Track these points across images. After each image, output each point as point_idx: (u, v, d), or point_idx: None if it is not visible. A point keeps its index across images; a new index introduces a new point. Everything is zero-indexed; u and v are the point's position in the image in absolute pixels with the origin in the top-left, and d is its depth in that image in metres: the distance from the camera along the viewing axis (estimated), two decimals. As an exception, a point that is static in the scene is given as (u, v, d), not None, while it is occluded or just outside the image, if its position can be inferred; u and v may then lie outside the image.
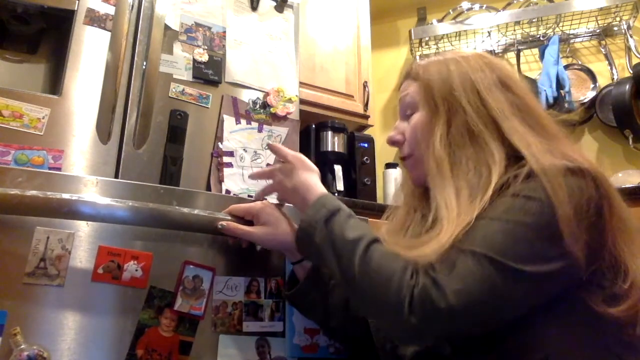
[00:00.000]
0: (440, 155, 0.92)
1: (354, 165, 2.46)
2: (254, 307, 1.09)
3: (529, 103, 0.97)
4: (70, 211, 0.93)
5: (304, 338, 1.12)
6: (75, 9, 1.51)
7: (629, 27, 2.89)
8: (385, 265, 0.80)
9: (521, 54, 3.12)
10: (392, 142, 1.05)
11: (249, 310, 1.09)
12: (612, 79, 2.88)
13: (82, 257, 0.95)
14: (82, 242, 0.96)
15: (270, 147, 1.12)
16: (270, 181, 1.09)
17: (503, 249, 0.76)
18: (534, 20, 3.04)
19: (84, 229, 0.96)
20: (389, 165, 2.78)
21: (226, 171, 1.61)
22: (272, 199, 1.13)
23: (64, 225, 0.95)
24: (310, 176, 1.02)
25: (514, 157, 0.88)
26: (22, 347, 0.86)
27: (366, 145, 2.51)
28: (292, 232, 1.04)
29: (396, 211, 1.11)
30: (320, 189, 1.00)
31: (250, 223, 1.06)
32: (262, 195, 1.12)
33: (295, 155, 1.05)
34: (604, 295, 0.80)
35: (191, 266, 1.04)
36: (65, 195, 0.92)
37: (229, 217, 1.06)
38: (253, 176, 1.14)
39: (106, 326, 0.96)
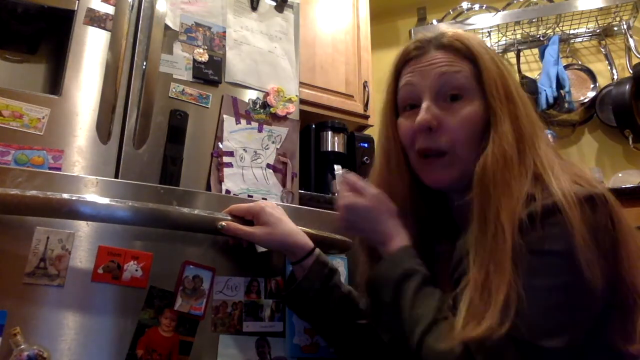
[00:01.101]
0: (512, 152, 0.83)
1: (354, 165, 2.45)
2: (254, 307, 1.09)
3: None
4: (70, 211, 0.93)
5: (304, 338, 1.12)
6: (75, 9, 1.50)
7: (629, 27, 2.89)
8: (440, 355, 0.77)
9: (521, 54, 3.12)
10: (426, 128, 0.89)
11: (249, 310, 1.09)
12: (612, 79, 2.88)
13: (82, 257, 0.96)
14: (82, 242, 0.96)
15: (345, 179, 1.00)
16: None
17: (539, 330, 0.72)
18: (534, 20, 3.05)
19: (84, 229, 0.97)
20: (389, 165, 2.78)
21: (226, 171, 1.61)
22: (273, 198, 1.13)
23: (64, 226, 0.96)
24: (393, 223, 0.94)
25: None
26: (22, 347, 0.86)
27: (366, 145, 2.51)
28: (291, 232, 1.04)
29: None
30: (402, 240, 0.92)
31: (250, 223, 1.06)
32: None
33: (374, 195, 0.96)
34: (620, 330, 0.78)
35: (191, 266, 1.04)
36: (65, 195, 0.93)
37: (229, 217, 1.06)
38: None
39: (106, 326, 0.96)
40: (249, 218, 1.06)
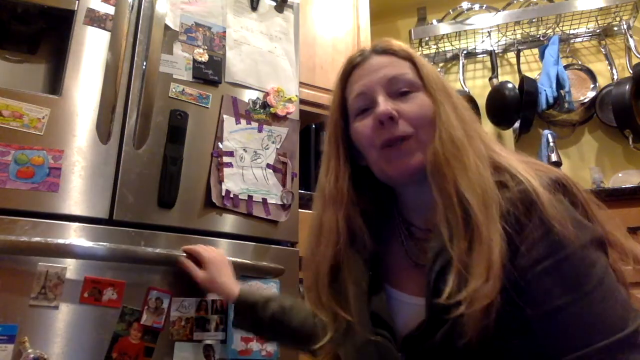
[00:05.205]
0: (459, 135, 0.87)
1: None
2: (202, 321, 1.43)
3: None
4: (64, 252, 1.27)
5: (240, 344, 1.45)
6: (75, 9, 1.49)
7: (629, 27, 2.89)
8: None
9: (521, 54, 3.12)
10: (387, 117, 0.91)
11: (199, 323, 1.42)
12: (612, 79, 2.88)
13: (73, 285, 1.28)
14: (73, 274, 1.28)
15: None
16: None
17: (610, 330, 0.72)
18: (534, 20, 3.04)
19: (74, 264, 1.29)
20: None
21: (226, 171, 1.61)
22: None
23: (60, 262, 1.27)
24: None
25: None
26: (29, 351, 1.18)
27: (365, 144, 2.49)
28: (224, 284, 1.34)
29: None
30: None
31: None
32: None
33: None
34: None
35: (154, 291, 1.38)
36: (60, 241, 1.26)
37: (184, 254, 1.39)
38: None
39: (90, 336, 1.28)
40: (200, 259, 1.37)
